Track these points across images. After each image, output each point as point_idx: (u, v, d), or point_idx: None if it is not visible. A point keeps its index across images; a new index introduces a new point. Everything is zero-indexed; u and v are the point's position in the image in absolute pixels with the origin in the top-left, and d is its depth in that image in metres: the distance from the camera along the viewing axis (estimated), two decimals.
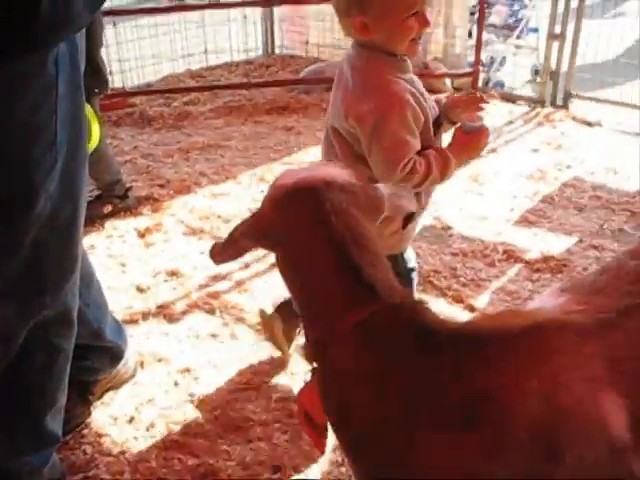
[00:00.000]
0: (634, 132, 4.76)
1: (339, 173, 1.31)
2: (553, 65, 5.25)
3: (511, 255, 3.17)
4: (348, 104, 1.90)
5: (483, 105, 2.02)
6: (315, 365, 1.26)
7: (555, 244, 3.27)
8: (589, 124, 4.90)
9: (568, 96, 5.19)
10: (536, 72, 5.67)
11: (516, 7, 6.01)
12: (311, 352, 1.26)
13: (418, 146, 1.91)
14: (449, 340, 1.16)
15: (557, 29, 5.15)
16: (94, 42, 3.01)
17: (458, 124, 2.04)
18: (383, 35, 1.85)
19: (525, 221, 3.52)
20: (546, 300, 1.42)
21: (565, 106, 5.18)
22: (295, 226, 1.23)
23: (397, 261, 2.17)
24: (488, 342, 1.16)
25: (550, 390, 1.12)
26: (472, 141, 2.00)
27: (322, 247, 1.20)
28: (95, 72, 3.05)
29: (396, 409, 1.14)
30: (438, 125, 2.05)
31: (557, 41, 5.19)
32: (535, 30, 5.85)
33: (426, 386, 1.14)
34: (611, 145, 4.55)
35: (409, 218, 1.95)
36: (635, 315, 1.26)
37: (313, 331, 1.24)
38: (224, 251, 1.36)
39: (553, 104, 5.25)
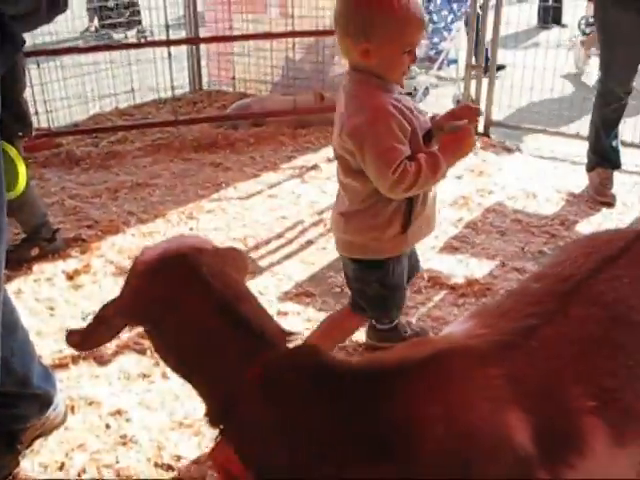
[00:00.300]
0: (551, 157, 4.96)
1: (203, 241, 1.36)
2: (473, 94, 5.44)
3: (436, 281, 3.25)
4: (342, 123, 2.14)
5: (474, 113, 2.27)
6: (222, 426, 1.28)
7: (479, 269, 3.37)
8: (509, 150, 5.09)
9: (489, 124, 5.38)
10: (457, 102, 5.86)
11: (436, 40, 6.23)
12: (215, 415, 1.27)
13: (407, 152, 2.10)
14: (350, 378, 1.21)
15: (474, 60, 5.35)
16: (16, 85, 3.01)
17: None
18: (381, 62, 2.09)
19: (450, 247, 3.62)
20: (455, 326, 1.50)
21: (486, 134, 5.36)
22: (174, 294, 1.25)
23: (390, 268, 2.36)
24: (389, 375, 1.22)
25: (455, 413, 1.19)
26: (456, 139, 2.19)
27: (207, 309, 1.23)
28: (19, 115, 3.05)
29: (309, 454, 1.18)
30: (430, 137, 2.24)
31: (475, 71, 5.39)
32: (455, 61, 6.06)
33: (334, 426, 1.18)
34: (530, 170, 4.73)
35: (407, 223, 2.22)
36: (536, 335, 1.34)
37: (214, 393, 1.26)
38: (92, 334, 1.32)
39: (475, 132, 5.41)
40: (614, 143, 4.32)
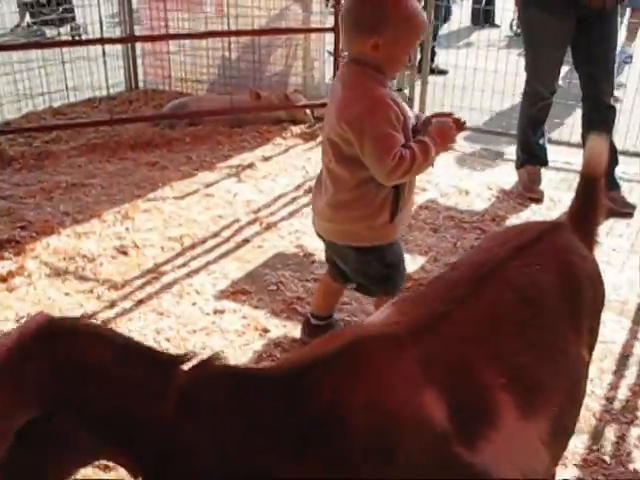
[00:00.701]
0: (482, 154, 5.10)
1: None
2: (407, 92, 5.55)
3: None
4: (340, 112, 2.28)
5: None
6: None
7: (412, 265, 3.44)
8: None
9: None
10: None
11: None
12: (140, 460, 1.24)
13: (402, 140, 2.27)
14: (268, 383, 1.26)
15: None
16: None
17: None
18: (387, 57, 2.27)
19: None
20: (375, 316, 1.57)
21: None
22: (74, 359, 1.21)
23: (387, 250, 2.51)
24: (306, 372, 1.27)
25: (375, 398, 1.25)
26: (442, 131, 2.38)
27: (108, 361, 1.22)
28: None
29: (239, 463, 1.23)
30: (415, 134, 2.39)
31: (408, 70, 5.50)
32: None
33: (260, 432, 1.23)
34: (462, 167, 4.85)
35: (395, 211, 2.36)
36: (448, 319, 1.43)
37: (138, 437, 1.22)
38: None
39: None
40: (541, 141, 4.48)
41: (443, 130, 2.38)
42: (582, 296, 1.67)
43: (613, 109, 4.16)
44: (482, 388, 1.36)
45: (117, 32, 6.58)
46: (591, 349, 1.75)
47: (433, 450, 1.27)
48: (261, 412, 1.23)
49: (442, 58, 5.58)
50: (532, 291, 1.56)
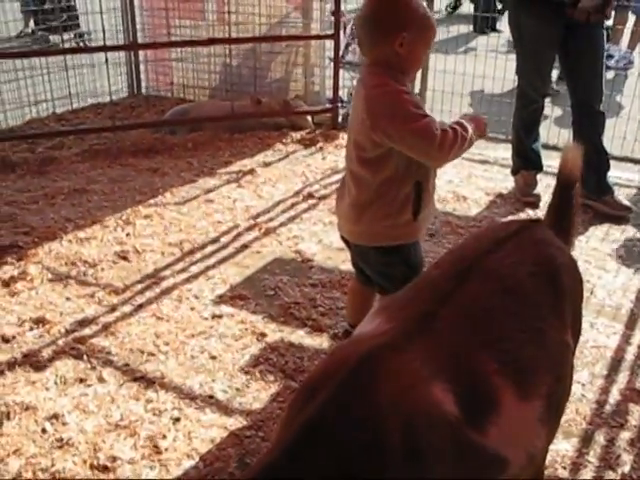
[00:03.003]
0: (480, 160, 5.14)
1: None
2: None
3: None
4: (372, 122, 2.30)
5: None
6: None
7: None
8: None
9: None
10: None
11: None
12: None
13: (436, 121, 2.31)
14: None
15: None
16: None
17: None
18: (409, 56, 2.33)
19: None
20: (364, 326, 1.62)
21: None
22: None
23: (411, 251, 2.53)
24: (338, 396, 1.31)
25: (396, 399, 1.30)
26: (474, 117, 2.47)
27: None
28: None
29: None
30: None
31: None
32: None
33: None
34: (459, 173, 4.89)
35: (418, 209, 2.39)
36: (437, 317, 1.51)
37: None
38: None
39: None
40: (535, 146, 4.52)
41: (476, 118, 2.47)
42: (562, 284, 1.74)
43: (602, 115, 4.20)
44: (480, 374, 1.43)
45: (120, 39, 6.63)
46: (575, 337, 1.83)
47: (451, 440, 1.33)
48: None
49: (441, 64, 5.61)
50: (513, 280, 1.65)
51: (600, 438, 2.46)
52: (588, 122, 4.17)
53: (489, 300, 1.59)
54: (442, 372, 1.38)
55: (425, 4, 2.45)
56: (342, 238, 2.70)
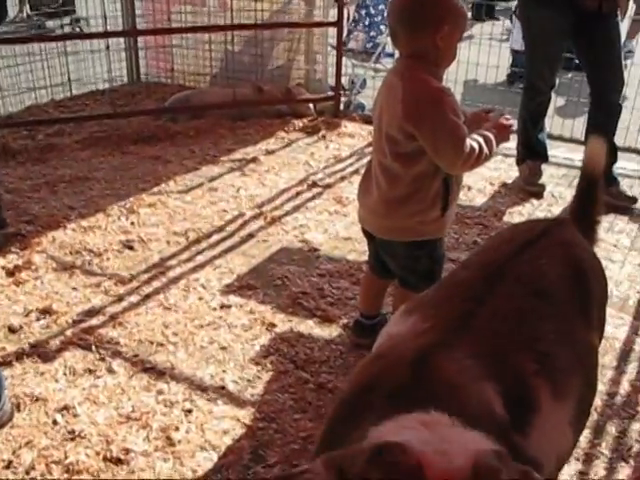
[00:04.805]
0: None
1: None
2: None
3: None
4: (406, 113, 2.30)
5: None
6: None
7: None
8: None
9: None
10: None
11: (373, 33, 6.33)
12: None
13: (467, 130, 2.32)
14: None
15: None
16: None
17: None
18: (448, 48, 2.35)
19: None
20: (395, 324, 1.60)
21: None
22: None
23: (437, 245, 2.55)
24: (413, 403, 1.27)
25: (460, 400, 1.27)
26: (501, 125, 2.48)
27: None
28: None
29: None
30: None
31: None
32: (391, 55, 6.16)
33: None
34: None
35: (446, 206, 2.40)
36: (475, 317, 1.50)
37: None
38: None
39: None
40: (540, 136, 4.50)
41: (502, 125, 2.48)
42: (589, 287, 1.74)
43: (619, 107, 4.18)
44: (522, 375, 1.42)
45: (120, 25, 6.56)
46: (600, 338, 1.83)
47: (499, 442, 1.30)
48: None
49: None
50: (543, 283, 1.64)
51: (612, 429, 2.47)
52: (603, 115, 4.16)
53: (522, 302, 1.58)
54: (490, 371, 1.37)
55: None
56: (364, 231, 2.68)
